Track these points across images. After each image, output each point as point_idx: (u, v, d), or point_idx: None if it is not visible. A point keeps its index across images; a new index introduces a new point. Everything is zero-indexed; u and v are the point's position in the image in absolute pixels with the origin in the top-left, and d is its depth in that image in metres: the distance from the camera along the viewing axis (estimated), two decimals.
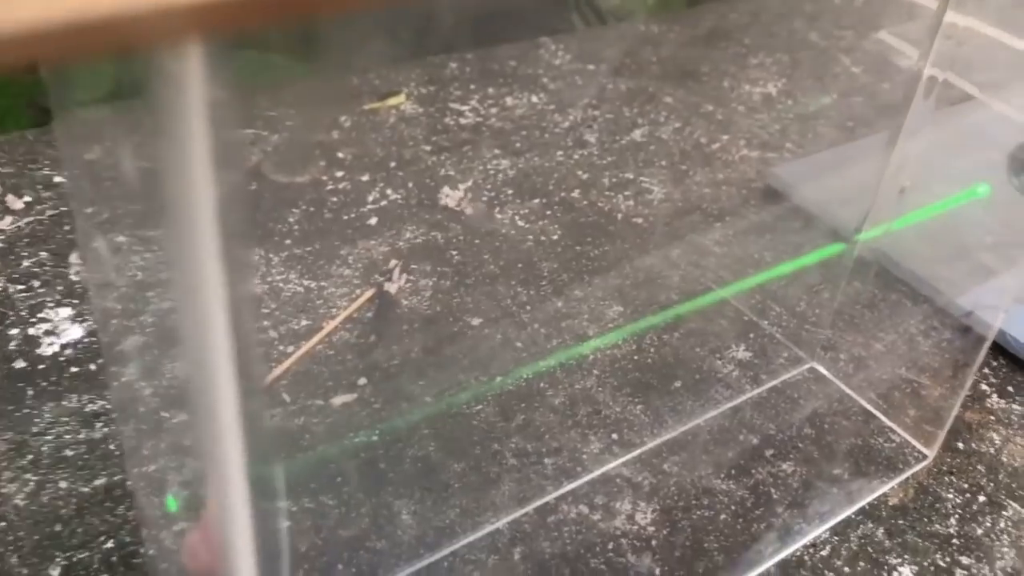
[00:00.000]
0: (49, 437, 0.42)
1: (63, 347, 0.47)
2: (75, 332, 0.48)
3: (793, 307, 0.54)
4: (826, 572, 0.40)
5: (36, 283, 0.50)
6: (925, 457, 0.46)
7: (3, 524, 0.38)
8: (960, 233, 0.51)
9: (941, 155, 0.51)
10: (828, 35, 0.87)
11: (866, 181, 0.51)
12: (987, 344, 0.45)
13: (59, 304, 0.49)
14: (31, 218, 0.55)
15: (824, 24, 0.89)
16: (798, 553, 0.41)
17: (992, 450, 0.47)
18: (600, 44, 0.84)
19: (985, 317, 0.47)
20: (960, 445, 0.47)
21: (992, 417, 0.49)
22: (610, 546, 0.40)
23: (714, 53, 0.83)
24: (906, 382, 0.49)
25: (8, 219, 0.54)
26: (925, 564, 0.41)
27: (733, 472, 0.44)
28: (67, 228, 0.54)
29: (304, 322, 0.50)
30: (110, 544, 0.38)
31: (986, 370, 0.52)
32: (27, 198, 0.56)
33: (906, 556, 0.41)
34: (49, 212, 0.55)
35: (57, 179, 0.58)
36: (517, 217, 0.59)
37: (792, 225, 0.61)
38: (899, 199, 0.49)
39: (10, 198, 0.56)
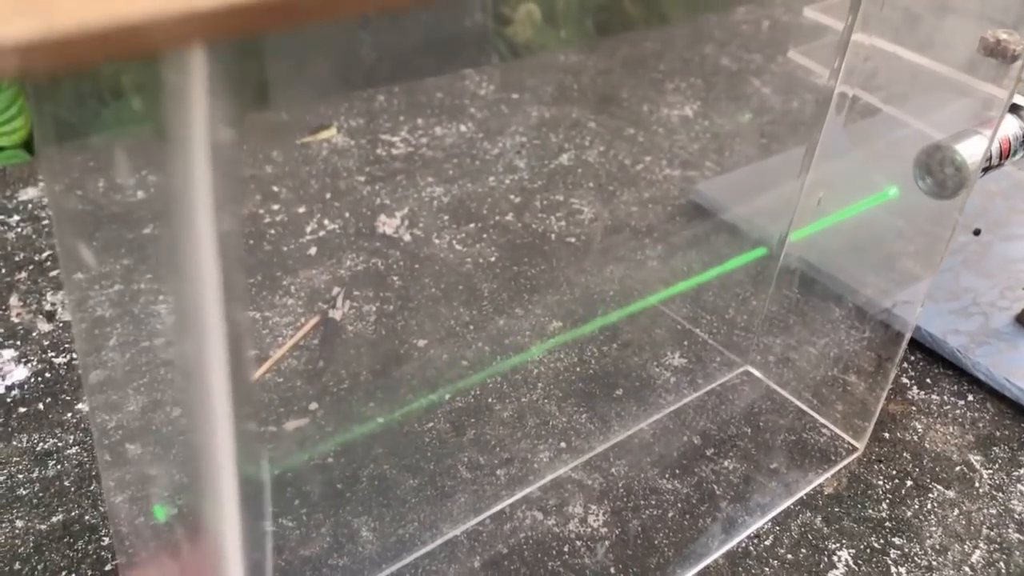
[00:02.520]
0: (1, 477, 0.42)
1: (8, 388, 0.47)
2: (20, 373, 0.48)
3: (724, 315, 0.57)
4: (770, 560, 0.42)
5: None
6: (855, 449, 0.49)
7: None
8: (874, 237, 0.54)
9: (854, 165, 0.54)
10: (739, 58, 0.91)
11: (785, 194, 0.54)
12: (906, 340, 0.48)
13: (2, 346, 0.49)
14: None
15: (734, 48, 0.93)
16: (743, 544, 0.43)
17: (916, 438, 0.50)
18: (522, 74, 0.86)
19: (903, 315, 0.50)
20: (887, 435, 0.50)
21: (914, 407, 0.52)
22: (566, 548, 0.41)
23: (631, 80, 0.86)
24: (834, 380, 0.52)
25: None
26: (861, 547, 0.43)
27: (677, 471, 0.46)
28: (3, 272, 0.54)
29: (251, 351, 0.51)
30: None
31: (905, 364, 0.55)
32: None
33: (844, 540, 0.43)
34: None
35: None
36: (454, 242, 0.61)
37: (718, 238, 0.63)
38: (817, 209, 0.52)
39: None
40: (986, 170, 0.47)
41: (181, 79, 0.14)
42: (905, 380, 0.54)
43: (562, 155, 0.72)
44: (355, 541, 0.40)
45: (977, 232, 0.65)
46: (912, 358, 0.55)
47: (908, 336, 0.48)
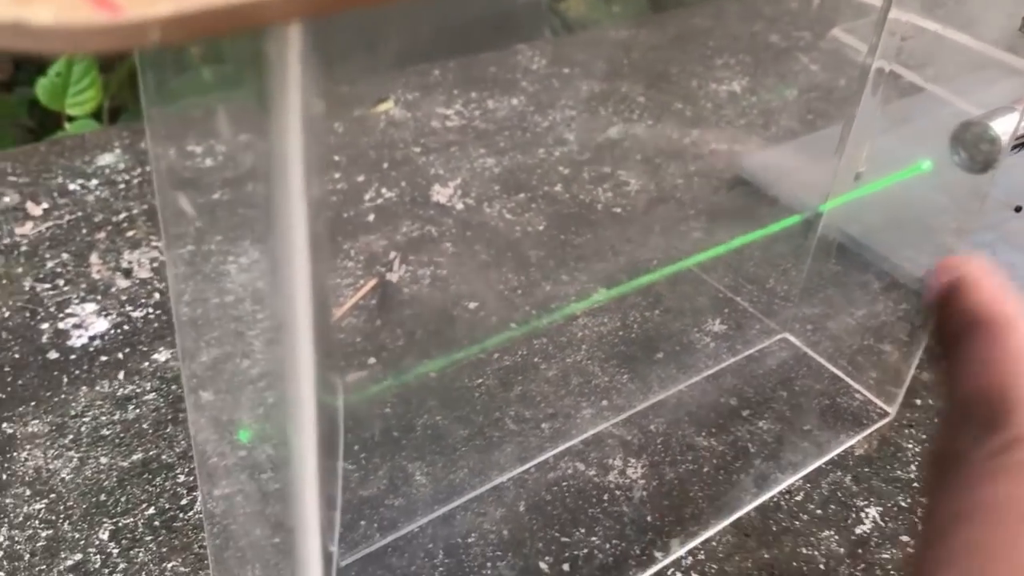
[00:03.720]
0: (86, 419, 0.46)
1: (91, 339, 0.50)
2: (101, 325, 0.51)
3: (764, 284, 0.59)
4: (800, 515, 0.44)
5: (61, 282, 0.54)
6: (887, 414, 0.51)
7: (53, 495, 0.42)
8: (909, 210, 0.56)
9: (892, 141, 0.56)
10: (787, 35, 0.92)
11: (825, 168, 0.56)
12: None
13: (84, 300, 0.53)
14: (51, 223, 0.58)
15: (783, 25, 0.94)
16: (775, 499, 0.45)
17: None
18: (573, 49, 0.88)
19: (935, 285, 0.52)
20: (918, 402, 0.52)
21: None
22: (605, 496, 0.44)
23: (681, 55, 0.88)
24: (868, 347, 0.54)
25: (29, 224, 0.58)
26: (889, 505, 0.45)
27: (713, 430, 0.48)
28: (84, 231, 0.58)
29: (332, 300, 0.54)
30: (151, 511, 0.42)
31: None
32: (44, 205, 0.60)
33: (872, 499, 0.45)
34: (67, 217, 0.59)
35: (71, 187, 0.62)
36: (504, 211, 0.63)
37: (760, 210, 0.65)
38: (855, 184, 0.54)
39: (29, 205, 0.59)
40: (1017, 146, 0.49)
41: (281, 50, 0.17)
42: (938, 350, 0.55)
43: (611, 128, 0.74)
44: (409, 484, 0.44)
45: (1018, 209, 0.66)
46: None
47: None
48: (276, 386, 0.24)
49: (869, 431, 0.49)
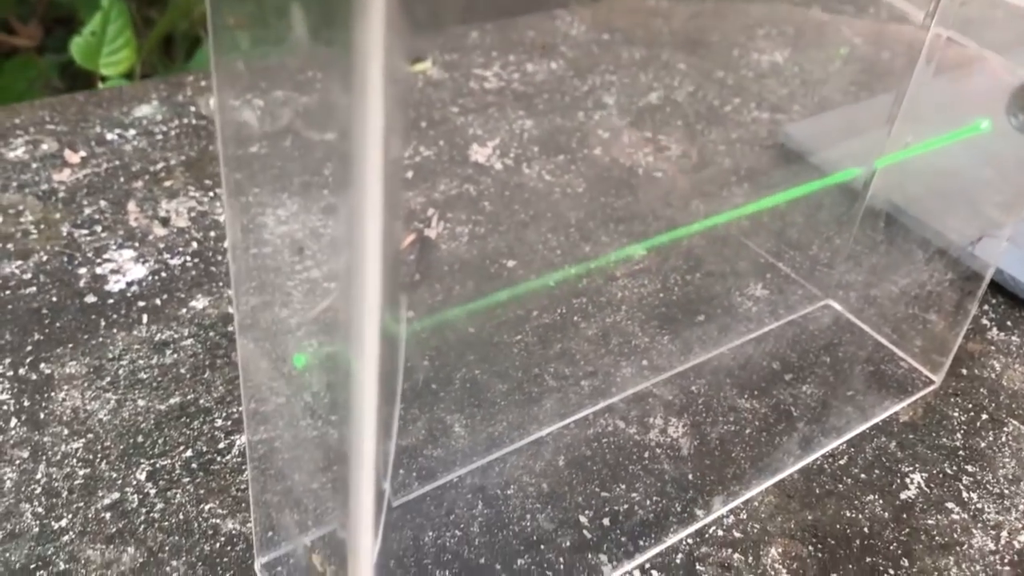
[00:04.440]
0: (124, 362, 0.46)
1: (128, 284, 0.50)
2: (139, 271, 0.51)
3: (808, 251, 0.58)
4: (844, 478, 0.44)
5: (98, 228, 0.54)
6: (932, 382, 0.50)
7: (91, 435, 0.42)
8: (960, 178, 0.55)
9: (944, 108, 0.55)
10: (831, 5, 0.90)
11: (874, 137, 0.55)
12: (986, 280, 0.49)
13: (121, 247, 0.52)
14: (88, 171, 0.58)
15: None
16: (818, 462, 0.44)
17: (993, 376, 0.50)
18: (613, 15, 0.87)
19: (984, 256, 0.51)
20: (964, 371, 0.51)
21: (993, 347, 0.52)
22: (646, 454, 0.43)
23: (722, 24, 0.87)
24: (914, 316, 0.53)
25: (67, 171, 0.58)
26: (934, 472, 0.44)
27: (756, 393, 0.48)
28: (122, 180, 0.58)
29: (334, 262, 0.53)
30: (189, 453, 0.42)
31: (986, 307, 0.55)
32: (83, 153, 0.59)
33: (917, 465, 0.45)
34: (105, 165, 0.58)
35: (109, 136, 0.61)
36: (543, 172, 0.63)
37: (805, 178, 0.64)
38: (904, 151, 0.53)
39: (67, 152, 0.59)
40: None
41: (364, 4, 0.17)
42: (985, 321, 0.54)
43: (651, 94, 0.73)
44: (448, 435, 0.43)
45: None
46: (993, 301, 0.56)
47: (989, 276, 0.49)
48: (338, 317, 0.23)
49: (914, 398, 0.49)
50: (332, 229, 0.28)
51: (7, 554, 0.37)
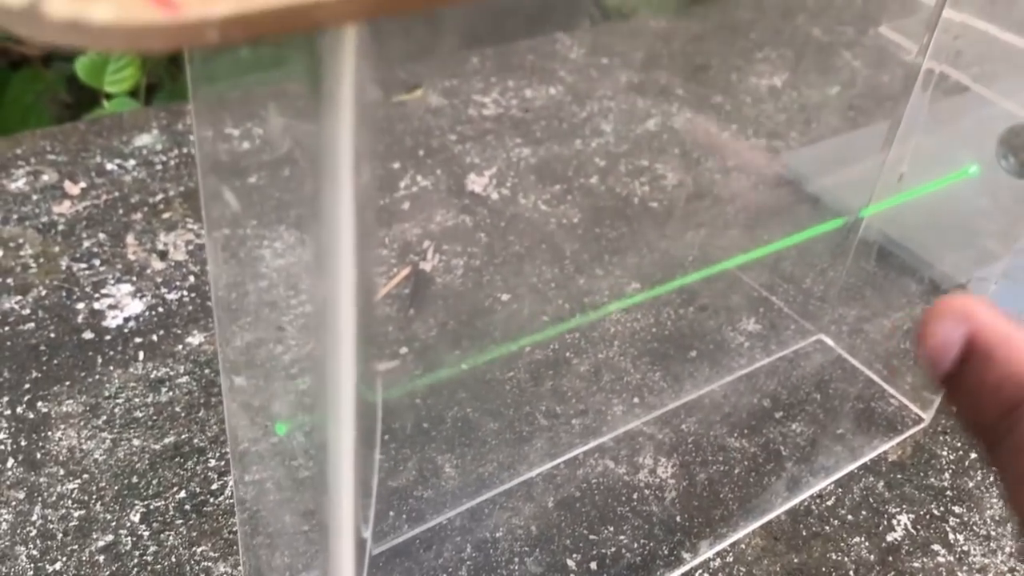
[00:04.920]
0: (120, 400, 0.46)
1: (126, 320, 0.51)
2: (136, 307, 0.51)
3: (801, 284, 0.58)
4: (831, 520, 0.44)
5: (97, 262, 0.54)
6: (922, 420, 0.50)
7: (86, 476, 0.42)
8: (954, 214, 0.55)
9: (937, 142, 0.55)
10: (830, 30, 0.91)
11: (868, 167, 0.55)
12: None
13: (119, 281, 0.53)
14: (88, 202, 0.59)
15: (826, 20, 0.93)
16: (806, 503, 0.45)
17: None
18: (612, 39, 0.88)
19: (977, 291, 0.51)
20: (954, 408, 0.51)
21: None
22: (635, 495, 0.44)
23: (721, 48, 0.87)
24: (905, 352, 0.53)
25: (67, 203, 0.58)
26: (921, 513, 0.45)
27: (746, 431, 0.48)
28: (121, 212, 0.58)
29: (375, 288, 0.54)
30: (182, 494, 0.42)
31: None
32: (82, 184, 0.60)
33: (904, 506, 0.45)
34: (104, 197, 0.59)
35: (109, 167, 0.62)
36: (540, 202, 0.63)
37: (800, 208, 0.64)
38: (898, 184, 0.53)
39: (67, 184, 0.60)
40: None
41: (336, 46, 0.17)
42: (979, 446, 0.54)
43: (649, 120, 0.73)
44: (439, 476, 0.44)
45: None
46: None
47: None
48: (316, 374, 0.24)
49: (903, 437, 0.49)
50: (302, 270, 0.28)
51: None
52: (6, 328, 0.49)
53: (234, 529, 0.41)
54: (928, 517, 0.45)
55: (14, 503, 0.41)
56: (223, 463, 0.43)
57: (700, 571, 0.41)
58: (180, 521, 0.41)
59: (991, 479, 0.47)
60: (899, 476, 0.46)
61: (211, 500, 0.42)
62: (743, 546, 0.42)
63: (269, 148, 0.23)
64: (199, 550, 0.40)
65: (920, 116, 0.52)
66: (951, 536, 0.44)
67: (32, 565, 0.39)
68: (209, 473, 0.43)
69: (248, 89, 0.23)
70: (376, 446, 0.27)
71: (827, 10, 0.94)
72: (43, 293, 0.52)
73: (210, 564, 0.39)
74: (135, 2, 0.13)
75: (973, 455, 0.48)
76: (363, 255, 0.21)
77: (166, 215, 0.58)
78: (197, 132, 0.24)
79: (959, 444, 0.49)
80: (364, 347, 0.22)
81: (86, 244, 0.55)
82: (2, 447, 0.43)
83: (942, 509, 0.45)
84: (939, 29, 0.50)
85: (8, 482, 0.42)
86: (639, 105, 0.75)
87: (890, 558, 0.42)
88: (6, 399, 0.45)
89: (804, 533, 0.43)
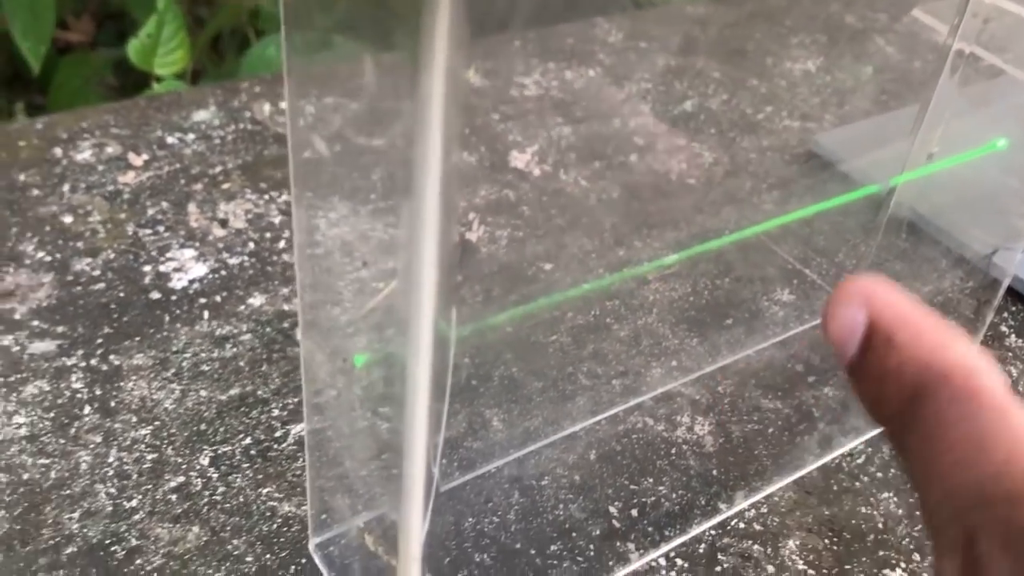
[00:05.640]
0: (187, 355, 0.49)
1: (191, 281, 0.54)
2: (200, 269, 0.54)
3: (833, 258, 0.60)
4: (861, 476, 0.46)
5: (161, 228, 0.57)
6: None
7: (157, 423, 0.45)
8: (982, 190, 0.57)
9: (967, 123, 0.57)
10: (864, 16, 0.92)
11: (899, 147, 0.57)
12: (1004, 287, 0.51)
13: (183, 246, 0.56)
14: (151, 173, 0.62)
15: (859, 6, 0.94)
16: (837, 460, 0.47)
17: (1010, 381, 0.53)
18: (650, 24, 0.90)
19: (1002, 263, 0.53)
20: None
21: (1010, 353, 0.54)
22: (673, 450, 0.46)
23: (757, 33, 0.89)
24: None
25: (131, 174, 0.61)
26: None
27: (779, 394, 0.50)
28: (183, 182, 0.61)
29: (391, 264, 0.56)
30: (248, 440, 0.45)
31: (1005, 314, 0.57)
32: (145, 156, 0.63)
33: None
34: (166, 168, 0.62)
35: (169, 140, 0.65)
36: (580, 178, 0.65)
37: (832, 185, 0.66)
38: (927, 164, 0.55)
39: (131, 155, 0.63)
40: None
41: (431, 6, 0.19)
42: (1004, 328, 0.56)
43: (686, 102, 0.75)
44: (487, 428, 0.46)
45: None
46: (1013, 308, 0.58)
47: (1006, 283, 0.51)
48: (398, 310, 0.26)
49: None
50: (390, 232, 0.31)
51: (85, 530, 0.40)
52: (78, 287, 0.52)
53: (297, 472, 0.43)
54: None
55: (92, 446, 0.44)
56: (286, 413, 0.46)
57: (736, 520, 0.43)
58: (246, 465, 0.44)
59: None
60: None
61: (275, 446, 0.45)
62: (776, 498, 0.45)
63: (363, 95, 0.25)
64: (264, 491, 0.43)
65: (950, 97, 0.54)
66: None
67: (111, 502, 0.42)
68: (273, 422, 0.46)
69: (344, 57, 0.25)
70: (447, 387, 0.30)
71: None
72: (111, 256, 0.55)
73: (275, 504, 0.42)
74: None
75: None
76: (446, 206, 0.23)
77: (225, 186, 0.61)
78: (289, 101, 0.27)
79: None
80: (444, 287, 0.25)
81: (150, 212, 0.58)
82: (80, 395, 0.46)
83: None
84: (969, 12, 0.51)
85: (86, 427, 0.45)
86: (676, 87, 0.77)
87: (917, 512, 0.44)
88: (81, 352, 0.48)
89: (835, 488, 0.45)
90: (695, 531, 0.43)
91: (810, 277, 0.58)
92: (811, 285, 0.58)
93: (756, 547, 0.42)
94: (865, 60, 0.84)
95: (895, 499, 0.45)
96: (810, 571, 0.42)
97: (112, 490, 0.42)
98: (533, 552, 0.41)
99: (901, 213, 0.58)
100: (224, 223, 0.58)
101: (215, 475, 0.43)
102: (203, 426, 0.45)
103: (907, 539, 0.43)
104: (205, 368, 0.48)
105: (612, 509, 0.43)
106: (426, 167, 0.23)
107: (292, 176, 0.29)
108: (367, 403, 0.33)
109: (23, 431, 0.44)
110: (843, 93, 0.79)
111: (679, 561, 0.41)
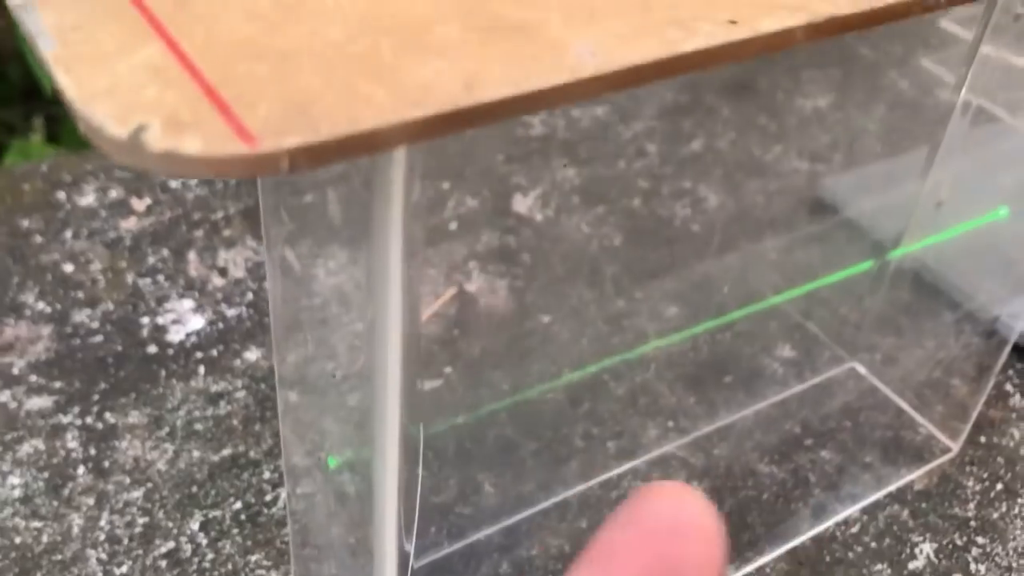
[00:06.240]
0: (181, 413, 0.49)
1: (187, 335, 0.54)
2: (197, 322, 0.55)
3: (837, 311, 0.60)
4: (855, 546, 0.46)
5: (160, 277, 0.57)
6: (950, 449, 0.51)
7: (150, 485, 0.45)
8: (991, 246, 0.56)
9: (974, 174, 0.56)
10: (874, 56, 0.91)
11: (907, 195, 0.56)
12: (1009, 346, 0.50)
13: (182, 296, 0.56)
14: (152, 219, 0.62)
15: (868, 47, 0.93)
16: (831, 529, 0.46)
17: (1012, 444, 0.52)
18: None
19: (1010, 322, 0.52)
20: (983, 439, 0.52)
21: (1014, 415, 0.54)
22: None
23: (768, 66, 0.88)
24: (937, 381, 0.55)
25: (133, 219, 0.61)
26: (944, 542, 0.46)
27: (776, 457, 0.50)
28: (184, 229, 0.61)
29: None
30: (238, 505, 0.45)
31: (1010, 372, 0.56)
32: (148, 200, 0.63)
33: (927, 535, 0.46)
34: (168, 214, 0.62)
35: (172, 184, 0.65)
36: (583, 223, 0.65)
37: (838, 236, 0.66)
38: (935, 212, 0.55)
39: (134, 200, 0.63)
40: None
41: (388, 167, 0.19)
42: (1009, 388, 0.56)
43: (693, 142, 0.75)
44: (479, 494, 0.46)
45: None
46: (1018, 366, 0.57)
47: (1011, 343, 0.51)
48: (364, 392, 0.26)
49: (930, 466, 0.50)
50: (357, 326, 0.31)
51: None
52: (76, 340, 0.53)
53: (286, 539, 0.43)
54: (951, 547, 0.46)
55: (84, 508, 0.44)
56: (276, 475, 0.46)
57: None
58: (236, 530, 0.44)
59: (1016, 510, 0.48)
60: (924, 505, 0.48)
61: (264, 511, 0.45)
62: (768, 570, 0.44)
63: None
64: (253, 558, 0.43)
65: (957, 146, 0.53)
66: (973, 566, 0.45)
67: (101, 568, 0.42)
68: (263, 485, 0.46)
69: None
70: (419, 463, 0.30)
71: (874, 36, 0.95)
72: (111, 308, 0.55)
73: (263, 572, 0.42)
74: (219, 135, 0.16)
75: (1000, 486, 0.49)
76: (410, 275, 0.23)
77: (226, 232, 0.61)
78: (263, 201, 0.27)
79: (985, 475, 0.50)
80: (410, 366, 0.25)
81: (151, 260, 0.58)
82: (74, 455, 0.46)
83: (965, 539, 0.46)
84: (977, 63, 0.51)
85: (79, 489, 0.45)
86: (684, 125, 0.77)
87: None
88: (77, 409, 0.49)
89: (828, 559, 0.45)
90: None
91: (812, 331, 0.58)
92: (813, 340, 0.57)
93: None
94: (877, 97, 0.83)
95: (889, 571, 0.44)
96: None
97: (103, 555, 0.42)
98: None
99: (907, 266, 0.57)
100: (223, 272, 0.58)
101: (204, 541, 0.43)
102: (194, 488, 0.46)
103: None
104: (198, 427, 0.48)
105: None
106: (386, 231, 0.23)
107: (269, 278, 0.29)
108: (340, 496, 0.33)
109: (17, 492, 0.45)
110: (854, 133, 0.79)
111: None
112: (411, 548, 0.32)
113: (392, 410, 0.25)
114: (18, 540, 0.43)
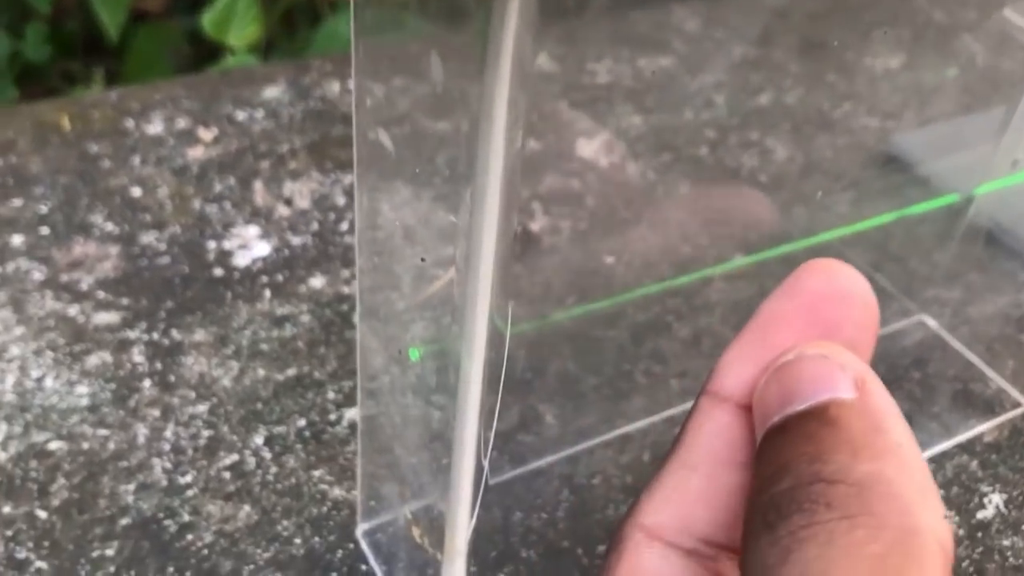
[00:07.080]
0: (247, 333, 0.49)
1: (253, 260, 0.54)
2: (263, 248, 0.55)
3: (907, 265, 0.58)
4: None
5: (227, 204, 0.58)
6: (1021, 404, 0.50)
7: (215, 400, 0.46)
8: None
9: None
10: (951, 12, 0.89)
11: (981, 151, 0.55)
12: None
13: (248, 223, 0.56)
14: (219, 148, 0.62)
15: (947, 2, 0.91)
16: None
17: None
18: (727, 13, 0.88)
19: None
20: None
21: None
22: None
23: (838, 26, 0.86)
24: (1008, 337, 0.53)
25: (200, 148, 0.62)
26: (1014, 494, 0.45)
27: None
28: (250, 160, 0.61)
29: (450, 250, 0.56)
30: (302, 422, 0.45)
31: None
32: (214, 131, 0.63)
33: (997, 486, 0.45)
34: (235, 144, 0.62)
35: (239, 116, 0.65)
36: (648, 170, 0.64)
37: (909, 188, 0.64)
38: (1012, 170, 0.53)
39: (200, 130, 0.63)
40: None
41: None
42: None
43: (761, 95, 0.73)
44: (540, 423, 0.46)
45: None
46: None
47: None
48: (454, 304, 0.26)
49: (1000, 419, 0.49)
50: (450, 220, 0.30)
51: (140, 503, 0.41)
52: (144, 261, 0.53)
53: (348, 456, 0.43)
54: (1021, 498, 0.45)
55: (150, 419, 0.45)
56: (340, 396, 0.46)
57: None
58: (300, 446, 0.44)
59: None
60: (994, 457, 0.47)
61: (328, 429, 0.45)
62: None
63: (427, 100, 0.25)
64: (316, 473, 0.43)
65: None
66: None
67: (166, 476, 0.42)
68: (328, 404, 0.46)
69: (412, 40, 0.25)
70: (501, 381, 0.30)
71: None
72: (178, 231, 0.55)
73: (326, 487, 0.42)
74: None
75: None
76: (508, 196, 0.23)
77: (292, 165, 0.61)
78: (356, 81, 0.26)
79: None
80: (501, 280, 0.24)
81: (217, 187, 0.59)
82: (141, 368, 0.47)
83: None
84: None
85: (146, 401, 0.45)
86: (752, 79, 0.76)
87: (979, 534, 0.43)
88: (144, 325, 0.49)
89: None
90: None
91: (881, 283, 0.57)
92: (881, 292, 0.56)
93: None
94: (951, 58, 0.81)
95: (957, 519, 0.44)
96: None
97: (168, 464, 0.43)
98: (580, 551, 0.41)
99: (979, 221, 0.56)
100: (289, 202, 0.58)
101: (268, 455, 0.44)
102: (259, 405, 0.46)
103: (967, 561, 0.42)
104: (264, 347, 0.49)
105: None
106: (489, 155, 0.22)
107: (356, 160, 0.29)
108: (420, 392, 0.33)
109: (85, 401, 0.45)
110: (925, 91, 0.77)
111: None
112: (487, 465, 0.32)
113: (483, 293, 0.24)
114: (86, 446, 0.43)
